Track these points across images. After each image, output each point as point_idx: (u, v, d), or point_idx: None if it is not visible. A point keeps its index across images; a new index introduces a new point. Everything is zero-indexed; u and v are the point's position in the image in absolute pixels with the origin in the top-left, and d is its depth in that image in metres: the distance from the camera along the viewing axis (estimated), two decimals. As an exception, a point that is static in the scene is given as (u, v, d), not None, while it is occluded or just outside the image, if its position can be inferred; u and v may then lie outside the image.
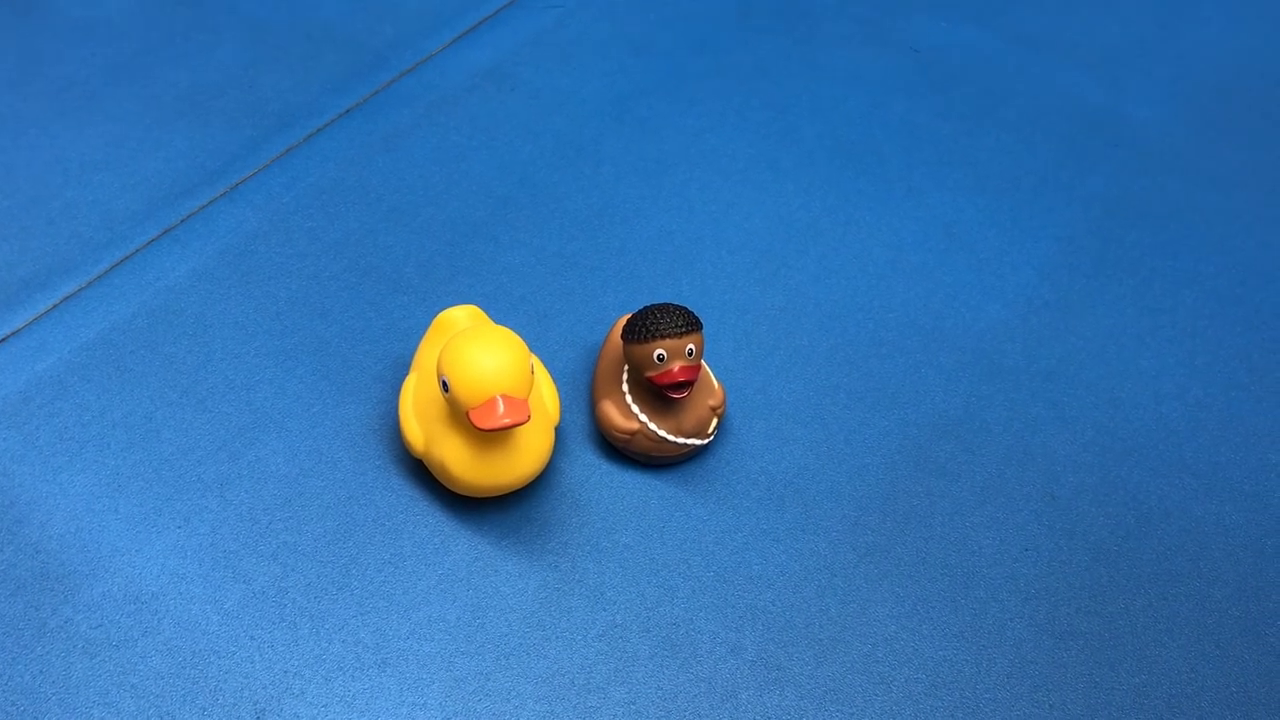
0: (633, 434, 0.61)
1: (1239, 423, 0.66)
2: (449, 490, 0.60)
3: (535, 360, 0.61)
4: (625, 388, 0.62)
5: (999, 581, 0.59)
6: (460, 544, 0.60)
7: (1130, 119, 0.86)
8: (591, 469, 0.63)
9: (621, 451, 0.63)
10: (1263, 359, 0.70)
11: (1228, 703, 0.55)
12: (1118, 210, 0.79)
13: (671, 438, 0.61)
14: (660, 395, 0.60)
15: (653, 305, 0.60)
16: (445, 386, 0.55)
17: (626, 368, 0.62)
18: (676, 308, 0.60)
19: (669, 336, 0.58)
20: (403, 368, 0.67)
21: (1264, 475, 0.64)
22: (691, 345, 0.59)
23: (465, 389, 0.54)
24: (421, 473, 0.62)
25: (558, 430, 0.64)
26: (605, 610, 0.58)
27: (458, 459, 0.57)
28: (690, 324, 0.59)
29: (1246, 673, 0.56)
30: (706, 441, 0.62)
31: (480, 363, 0.54)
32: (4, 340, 0.68)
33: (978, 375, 0.68)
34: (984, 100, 0.87)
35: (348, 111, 0.84)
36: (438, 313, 0.64)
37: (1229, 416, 0.67)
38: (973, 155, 0.82)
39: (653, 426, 0.61)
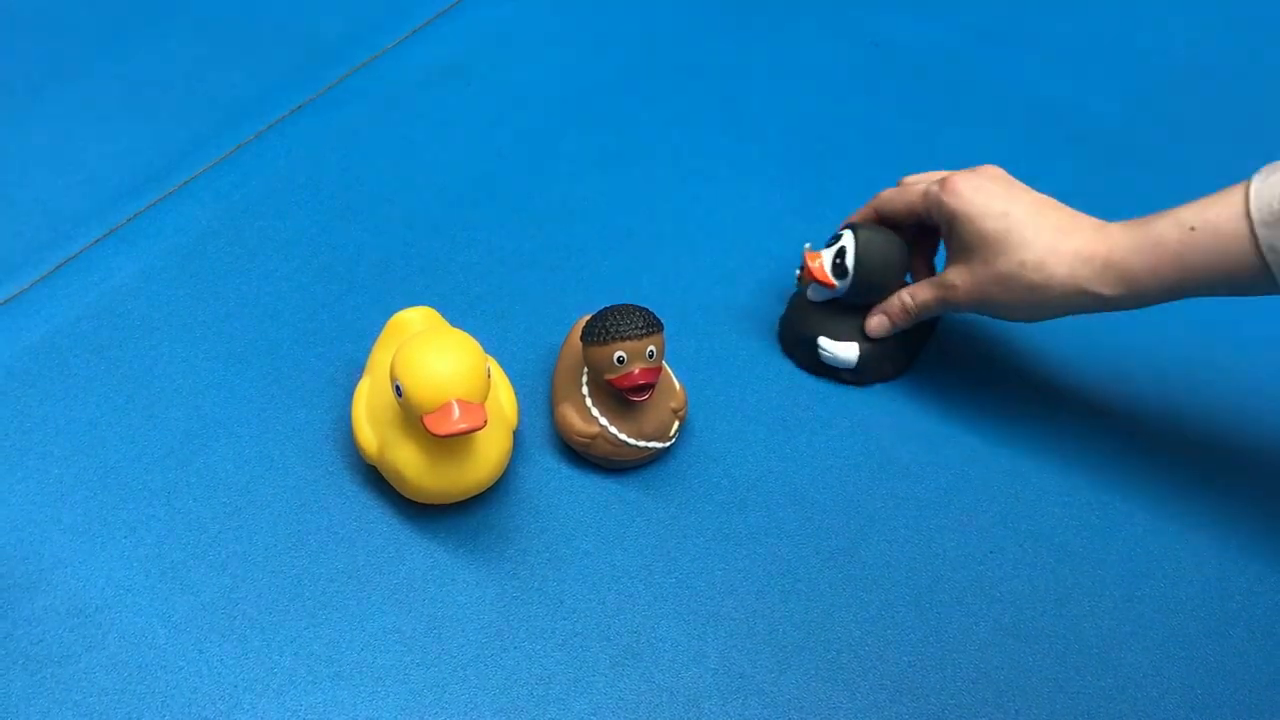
0: (593, 438, 0.60)
1: (1202, 420, 0.66)
2: (404, 497, 0.59)
3: (492, 363, 0.60)
4: (585, 390, 0.61)
5: (963, 584, 0.58)
6: (416, 552, 0.58)
7: (1091, 112, 0.85)
8: (551, 473, 0.62)
9: (581, 455, 0.62)
10: (1225, 356, 0.69)
11: (1193, 705, 0.55)
12: (1079, 205, 0.78)
13: (632, 441, 0.60)
14: (621, 398, 0.59)
15: (612, 306, 0.59)
16: (399, 391, 0.53)
17: (586, 370, 0.61)
18: (636, 308, 0.59)
19: (629, 338, 0.57)
20: (356, 371, 0.65)
21: (1227, 473, 0.63)
22: (652, 347, 0.58)
23: (419, 394, 0.52)
24: (376, 479, 0.61)
25: (516, 434, 0.62)
26: (565, 619, 0.56)
27: (413, 465, 0.56)
28: (650, 325, 0.58)
29: (1211, 674, 0.56)
30: (668, 444, 0.61)
31: (434, 367, 0.53)
32: (-59, 344, 0.66)
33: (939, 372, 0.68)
34: (944, 94, 0.86)
35: (300, 107, 0.82)
36: (392, 314, 0.63)
37: (1191, 414, 0.66)
38: (934, 150, 0.82)
39: (613, 430, 0.60)
